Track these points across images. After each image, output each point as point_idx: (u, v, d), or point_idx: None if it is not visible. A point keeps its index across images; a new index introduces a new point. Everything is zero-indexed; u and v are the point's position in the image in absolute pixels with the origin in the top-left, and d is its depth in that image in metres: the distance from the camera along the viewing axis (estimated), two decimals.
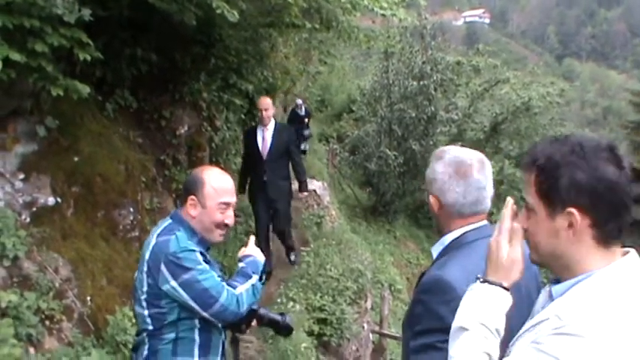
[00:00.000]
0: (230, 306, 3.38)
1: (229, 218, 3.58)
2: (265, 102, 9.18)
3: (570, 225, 1.85)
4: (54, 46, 5.01)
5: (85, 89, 5.48)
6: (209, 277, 3.35)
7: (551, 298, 1.97)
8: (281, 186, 9.27)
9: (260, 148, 9.07)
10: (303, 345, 7.87)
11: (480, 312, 1.98)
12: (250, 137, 9.27)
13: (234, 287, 3.46)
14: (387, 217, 22.65)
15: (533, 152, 1.96)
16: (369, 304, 11.11)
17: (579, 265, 1.88)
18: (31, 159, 6.00)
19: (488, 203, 2.71)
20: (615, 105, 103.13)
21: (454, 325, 2.03)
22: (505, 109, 24.44)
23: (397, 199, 22.48)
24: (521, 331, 1.95)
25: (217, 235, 3.61)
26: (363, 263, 11.54)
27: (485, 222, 2.72)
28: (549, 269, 2.02)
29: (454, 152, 2.75)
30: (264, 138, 9.09)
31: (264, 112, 9.02)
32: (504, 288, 2.03)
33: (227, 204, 3.55)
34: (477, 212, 2.69)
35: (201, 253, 3.42)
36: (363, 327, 10.29)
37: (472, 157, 2.71)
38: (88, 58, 5.35)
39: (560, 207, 1.86)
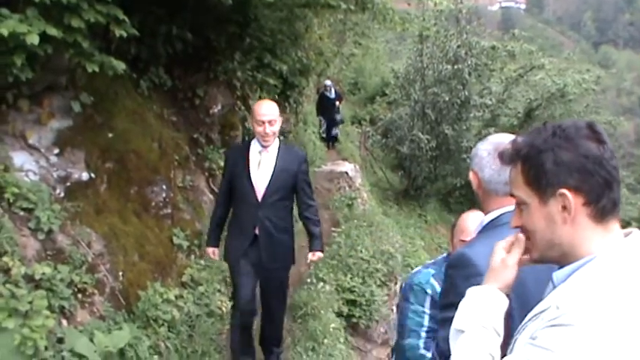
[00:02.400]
0: None
1: None
2: (269, 108, 5.90)
3: (564, 207, 1.83)
4: (90, 22, 5.02)
5: (120, 66, 5.51)
6: None
7: (553, 284, 1.94)
8: (281, 243, 6.06)
9: (254, 181, 5.92)
10: (332, 325, 7.91)
11: (475, 313, 2.00)
12: (239, 162, 6.05)
13: None
14: (418, 201, 22.61)
15: (515, 145, 1.95)
16: (398, 287, 11.10)
17: (579, 249, 1.85)
18: (66, 134, 6.05)
19: None
20: None
21: (452, 327, 2.05)
22: (540, 96, 24.18)
23: (429, 183, 22.43)
24: (524, 321, 1.92)
25: None
26: (393, 246, 11.56)
27: None
28: (552, 263, 1.97)
29: (499, 136, 2.92)
30: (262, 166, 5.95)
31: (266, 126, 5.78)
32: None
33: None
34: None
35: None
36: (392, 309, 10.28)
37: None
38: (124, 34, 5.37)
39: (551, 191, 1.84)
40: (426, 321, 3.83)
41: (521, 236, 2.01)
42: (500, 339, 1.97)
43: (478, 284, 2.27)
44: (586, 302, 1.70)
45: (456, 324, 2.02)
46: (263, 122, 5.77)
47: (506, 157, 1.98)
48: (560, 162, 1.81)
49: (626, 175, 38.75)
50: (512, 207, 2.64)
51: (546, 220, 1.88)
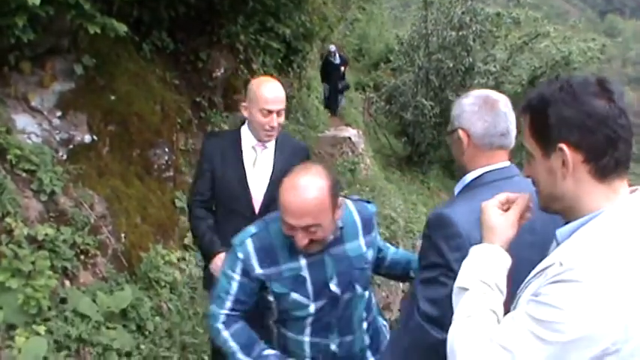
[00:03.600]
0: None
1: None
2: (278, 93, 4.15)
3: (564, 162, 1.83)
4: None
5: (122, 28, 5.49)
6: None
7: (557, 241, 1.94)
8: None
9: (250, 186, 4.28)
10: None
11: (478, 270, 2.00)
12: (227, 158, 4.30)
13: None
14: (421, 168, 22.62)
15: (528, 96, 1.95)
16: None
17: (582, 205, 1.85)
18: (68, 97, 6.06)
19: (512, 139, 2.71)
20: None
21: (455, 286, 2.05)
22: (544, 64, 24.01)
23: (432, 149, 22.42)
24: (528, 278, 1.92)
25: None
26: (395, 211, 11.59)
27: (508, 163, 2.72)
28: (558, 214, 1.97)
29: (480, 90, 2.81)
30: (257, 165, 4.31)
31: (274, 117, 4.09)
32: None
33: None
34: (504, 145, 2.70)
35: None
36: None
37: (498, 94, 2.77)
38: None
39: (553, 145, 1.84)
40: (234, 288, 3.06)
41: (525, 194, 2.06)
42: (504, 296, 1.97)
43: (458, 245, 2.39)
44: (592, 258, 1.70)
45: (459, 282, 2.02)
46: (270, 112, 4.04)
47: (521, 109, 1.98)
48: (562, 117, 1.81)
49: None
50: (497, 165, 2.68)
51: (548, 173, 1.89)
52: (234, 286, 3.04)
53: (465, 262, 2.07)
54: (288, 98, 12.62)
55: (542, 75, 23.20)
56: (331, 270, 3.03)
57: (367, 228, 3.19)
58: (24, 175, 5.23)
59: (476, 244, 2.13)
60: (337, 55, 19.96)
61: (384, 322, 3.59)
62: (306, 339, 3.15)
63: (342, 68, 20.19)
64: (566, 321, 1.64)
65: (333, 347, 3.17)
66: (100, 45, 6.31)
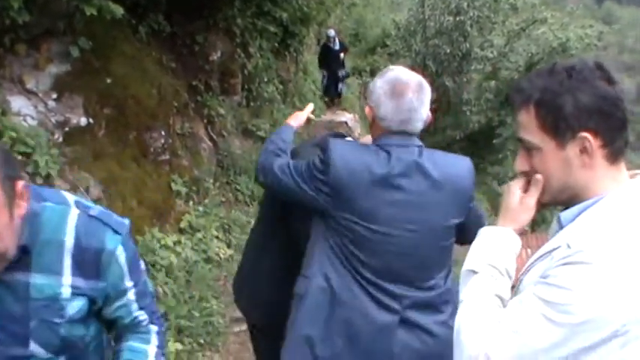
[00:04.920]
0: None
1: None
2: None
3: (583, 150, 1.79)
4: None
5: (119, 10, 5.45)
6: None
7: (560, 225, 1.91)
8: None
9: None
10: None
11: (487, 254, 1.96)
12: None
13: None
14: None
15: (523, 90, 1.88)
16: None
17: (591, 190, 1.84)
18: (64, 79, 6.00)
19: (418, 125, 2.90)
20: None
21: (463, 268, 2.01)
22: (541, 50, 23.89)
23: (428, 135, 22.35)
24: (531, 260, 1.90)
25: None
26: None
27: (412, 139, 2.93)
28: (560, 205, 1.95)
29: (397, 72, 2.92)
30: None
31: None
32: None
33: None
34: (404, 131, 2.88)
35: None
36: None
37: (411, 78, 2.89)
38: None
39: (570, 134, 1.80)
40: None
41: (540, 177, 1.94)
42: (512, 281, 1.94)
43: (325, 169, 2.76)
44: (601, 240, 1.68)
45: (468, 264, 1.99)
46: None
47: (516, 102, 1.91)
48: (579, 105, 1.77)
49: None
50: (399, 140, 2.88)
51: (563, 163, 1.85)
52: None
53: (475, 243, 2.04)
54: (284, 82, 12.70)
55: (539, 62, 23.06)
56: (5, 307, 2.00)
57: (93, 267, 2.08)
58: (19, 157, 5.15)
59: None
60: (337, 40, 19.08)
61: None
62: None
63: (342, 55, 19.39)
64: (577, 302, 1.63)
65: None
66: (96, 27, 6.24)
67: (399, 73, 2.91)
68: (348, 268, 2.84)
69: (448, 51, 20.43)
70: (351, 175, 2.80)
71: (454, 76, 20.51)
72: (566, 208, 1.91)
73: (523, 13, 24.17)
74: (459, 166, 3.03)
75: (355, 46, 31.83)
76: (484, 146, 22.21)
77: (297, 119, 3.56)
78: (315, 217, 2.97)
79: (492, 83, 22.17)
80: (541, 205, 1.98)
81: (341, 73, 19.09)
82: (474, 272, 1.95)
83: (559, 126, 1.81)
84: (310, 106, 3.73)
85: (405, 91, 2.83)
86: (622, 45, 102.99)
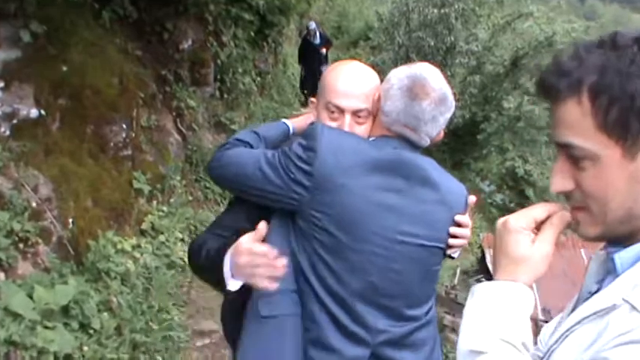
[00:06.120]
0: None
1: None
2: (355, 78, 2.60)
3: None
4: None
5: None
6: None
7: (614, 269, 1.31)
8: None
9: None
10: None
11: (495, 324, 1.32)
12: None
13: None
14: None
15: (569, 72, 1.27)
16: None
17: None
18: (13, 66, 5.53)
19: (424, 139, 2.45)
20: None
21: (461, 347, 1.36)
22: (527, 44, 23.60)
23: None
24: (568, 323, 1.33)
25: None
26: None
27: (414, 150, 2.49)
28: (616, 241, 1.33)
29: (426, 72, 2.44)
30: None
31: (347, 119, 2.51)
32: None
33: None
34: (407, 138, 2.44)
35: None
36: None
37: (437, 86, 2.40)
38: None
39: None
40: None
41: (567, 215, 1.37)
42: (530, 354, 1.33)
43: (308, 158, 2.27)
44: None
45: (469, 341, 1.34)
46: (340, 110, 2.53)
47: (557, 90, 1.29)
48: None
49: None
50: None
51: (631, 180, 1.25)
52: None
53: (472, 308, 1.39)
54: (262, 74, 12.26)
55: (524, 56, 22.82)
56: None
57: None
58: None
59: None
60: (318, 33, 17.27)
61: None
62: None
63: (324, 50, 17.38)
64: None
65: None
66: (51, 11, 5.81)
67: (429, 74, 2.41)
68: (313, 284, 2.33)
69: (432, 44, 20.11)
70: (341, 168, 2.30)
71: (438, 69, 20.11)
72: (618, 243, 1.33)
73: (508, 7, 23.91)
74: (459, 186, 2.59)
75: (337, 38, 31.69)
76: (468, 142, 21.89)
77: (297, 122, 2.82)
78: (275, 218, 2.42)
79: (477, 78, 21.84)
80: (590, 240, 1.38)
81: (322, 69, 15.86)
82: (480, 353, 1.29)
83: (629, 124, 1.22)
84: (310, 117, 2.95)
85: (424, 98, 2.35)
86: None
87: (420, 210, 2.37)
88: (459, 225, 2.49)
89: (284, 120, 2.81)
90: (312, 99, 2.67)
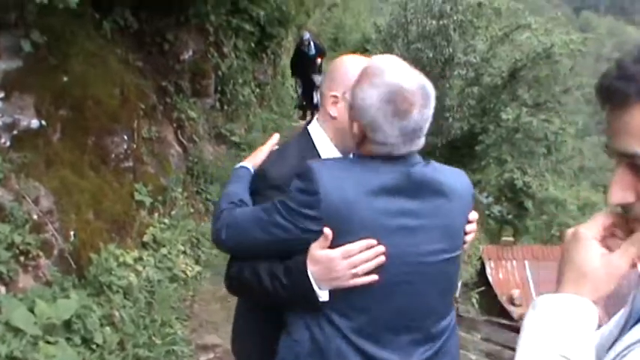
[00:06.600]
0: None
1: None
2: None
3: None
4: None
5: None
6: None
7: None
8: None
9: None
10: None
11: (556, 338, 1.22)
12: None
13: None
14: None
15: (632, 76, 1.17)
16: None
17: None
18: (14, 76, 5.43)
19: (423, 139, 2.30)
20: None
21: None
22: (525, 56, 23.61)
23: None
24: (631, 336, 1.26)
25: None
26: None
27: (415, 157, 2.34)
28: None
29: (395, 76, 2.21)
30: None
31: None
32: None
33: None
34: (409, 152, 2.28)
35: None
36: None
37: (415, 85, 2.20)
38: None
39: None
40: None
41: None
42: None
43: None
44: None
45: (528, 357, 1.24)
46: None
47: (621, 94, 1.19)
48: None
49: (605, 140, 38.75)
50: None
51: None
52: None
53: (533, 321, 1.29)
54: (262, 85, 12.23)
55: (522, 67, 22.84)
56: None
57: None
58: None
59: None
60: (312, 43, 16.62)
61: None
62: None
63: (319, 60, 16.80)
64: None
65: None
66: (52, 21, 5.73)
67: (400, 79, 2.20)
68: (337, 323, 2.24)
69: (431, 55, 20.16)
70: (348, 202, 2.18)
71: (436, 81, 20.08)
72: None
73: (506, 18, 23.92)
74: (463, 180, 2.48)
75: (335, 50, 31.74)
76: (466, 153, 21.89)
77: (254, 158, 2.74)
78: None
79: (475, 89, 21.85)
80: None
81: (317, 79, 15.94)
82: None
83: None
84: (275, 137, 2.83)
85: (411, 108, 2.18)
86: (599, 54, 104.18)
87: (435, 224, 2.28)
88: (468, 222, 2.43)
89: (240, 164, 2.73)
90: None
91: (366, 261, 2.16)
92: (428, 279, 2.27)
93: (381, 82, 2.20)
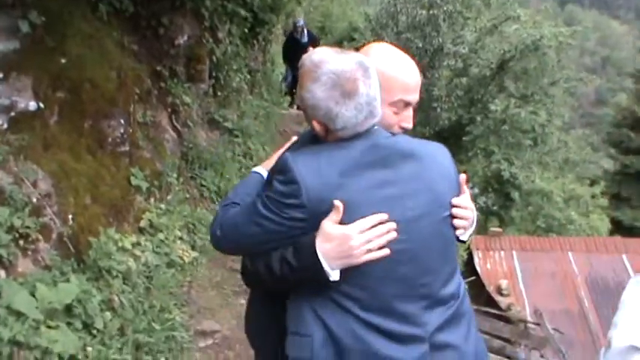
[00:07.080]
0: None
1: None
2: (414, 70, 2.66)
3: None
4: None
5: None
6: None
7: None
8: None
9: None
10: None
11: None
12: None
13: None
14: None
15: None
16: None
17: None
18: (11, 58, 5.32)
19: (379, 111, 2.36)
20: (615, 55, 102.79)
21: (618, 343, 1.32)
22: (513, 47, 23.60)
23: None
24: None
25: None
26: None
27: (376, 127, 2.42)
28: None
29: (329, 64, 2.31)
30: None
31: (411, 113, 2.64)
32: None
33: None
34: (372, 125, 2.38)
35: None
36: None
37: (348, 64, 2.31)
38: None
39: None
40: None
41: None
42: None
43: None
44: None
45: (630, 337, 1.29)
46: (408, 105, 2.60)
47: None
48: None
49: (589, 134, 39.04)
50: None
51: None
52: None
53: (631, 309, 1.32)
54: (252, 72, 12.14)
55: (511, 59, 22.83)
56: None
57: None
58: None
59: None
60: (305, 31, 16.04)
61: None
62: None
63: (311, 49, 16.21)
64: None
65: None
66: (49, 2, 5.60)
67: (335, 64, 2.30)
68: (346, 306, 2.29)
69: (420, 45, 20.13)
70: (328, 184, 2.25)
71: (425, 71, 20.08)
72: None
73: (495, 10, 23.90)
74: (437, 148, 2.60)
75: (322, 39, 31.74)
76: (453, 144, 21.85)
77: (270, 162, 2.70)
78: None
79: (463, 80, 21.86)
80: None
81: None
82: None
83: None
84: (292, 140, 2.85)
85: (356, 83, 2.28)
86: (583, 47, 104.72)
87: (418, 188, 2.36)
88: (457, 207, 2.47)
89: (254, 169, 2.76)
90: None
91: (380, 236, 2.22)
92: (425, 242, 2.35)
93: (320, 74, 2.30)
